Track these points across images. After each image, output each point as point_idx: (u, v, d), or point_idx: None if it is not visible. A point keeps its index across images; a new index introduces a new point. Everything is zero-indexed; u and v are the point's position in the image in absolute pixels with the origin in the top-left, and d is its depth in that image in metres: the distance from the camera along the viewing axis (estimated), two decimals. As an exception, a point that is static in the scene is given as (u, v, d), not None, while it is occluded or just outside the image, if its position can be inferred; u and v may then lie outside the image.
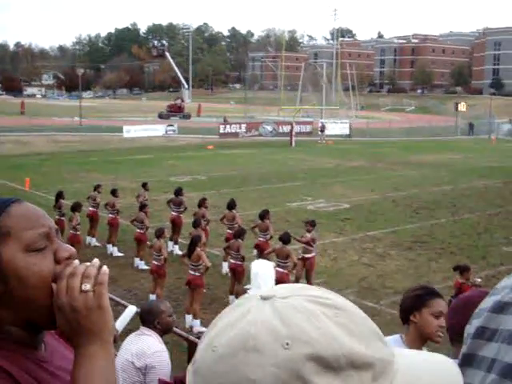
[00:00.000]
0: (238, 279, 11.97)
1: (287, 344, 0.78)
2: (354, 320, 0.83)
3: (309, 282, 12.52)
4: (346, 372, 0.78)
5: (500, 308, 1.12)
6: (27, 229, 1.34)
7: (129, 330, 6.35)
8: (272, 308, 0.82)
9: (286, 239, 11.75)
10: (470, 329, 1.15)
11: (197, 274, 11.08)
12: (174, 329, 6.01)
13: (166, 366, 5.09)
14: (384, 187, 26.71)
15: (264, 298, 0.84)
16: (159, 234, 12.38)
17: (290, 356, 0.78)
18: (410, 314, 3.69)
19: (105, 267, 1.36)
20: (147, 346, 5.12)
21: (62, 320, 1.32)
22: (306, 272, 12.81)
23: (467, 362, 1.10)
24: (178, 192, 16.43)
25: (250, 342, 0.79)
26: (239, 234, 12.24)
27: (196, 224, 13.03)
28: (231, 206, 14.81)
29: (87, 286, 1.32)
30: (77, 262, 1.40)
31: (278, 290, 0.87)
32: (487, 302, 1.16)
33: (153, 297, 11.75)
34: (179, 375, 0.98)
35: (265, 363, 0.78)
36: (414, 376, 0.84)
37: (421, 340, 3.64)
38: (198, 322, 10.94)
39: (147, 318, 5.30)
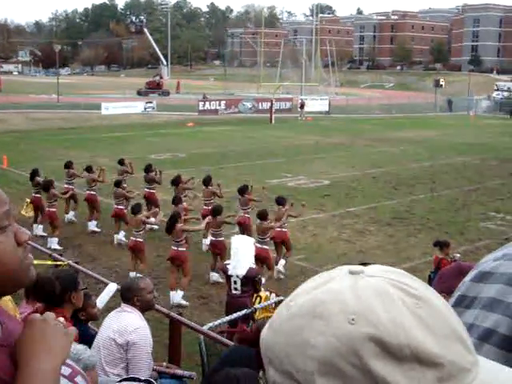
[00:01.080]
0: (220, 255, 11.96)
1: (353, 319, 0.78)
2: (434, 316, 0.81)
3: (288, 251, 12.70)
4: (409, 364, 0.77)
5: (479, 277, 1.14)
6: None
7: (109, 307, 6.35)
8: (353, 282, 0.82)
9: (263, 216, 11.77)
10: (451, 300, 1.17)
11: (179, 249, 11.08)
12: (156, 306, 6.00)
13: (148, 343, 5.09)
14: (363, 164, 26.81)
15: (351, 272, 0.84)
16: (136, 210, 12.34)
17: (353, 332, 0.78)
18: None
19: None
20: (128, 323, 5.11)
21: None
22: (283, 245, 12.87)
23: None
24: (148, 169, 16.41)
25: (319, 308, 0.80)
26: (217, 211, 12.22)
27: (176, 201, 13.02)
28: (207, 181, 14.76)
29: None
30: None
31: (370, 267, 0.86)
32: (469, 275, 1.17)
33: (132, 274, 11.72)
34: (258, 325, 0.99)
35: (327, 332, 0.78)
36: None
37: None
38: (181, 293, 10.93)
39: (126, 295, 5.29)
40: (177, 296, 10.89)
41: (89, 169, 16.25)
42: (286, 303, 0.86)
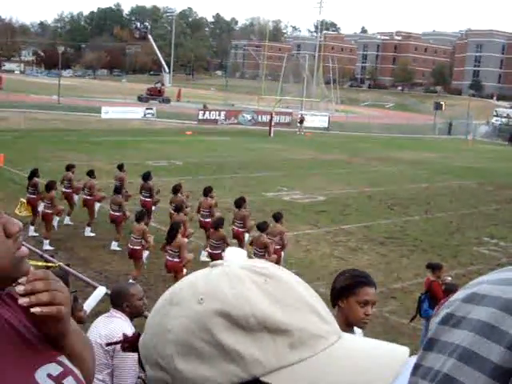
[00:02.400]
0: None
1: (201, 299, 0.83)
2: (282, 289, 0.85)
3: None
4: (258, 333, 0.81)
5: (471, 298, 1.13)
6: None
7: (98, 311, 6.32)
8: (208, 272, 0.89)
9: (262, 227, 11.75)
10: (437, 318, 1.15)
11: (175, 260, 11.04)
12: (145, 313, 5.97)
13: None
14: (360, 182, 26.83)
15: (212, 266, 0.91)
16: (140, 218, 12.30)
17: (201, 310, 0.83)
18: (338, 300, 3.76)
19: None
20: (116, 329, 5.08)
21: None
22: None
23: (431, 347, 1.11)
24: (147, 177, 16.37)
25: (175, 296, 0.87)
26: (218, 223, 12.18)
27: (178, 209, 13.01)
28: (206, 192, 14.73)
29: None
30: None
31: (231, 261, 0.92)
32: (458, 294, 1.17)
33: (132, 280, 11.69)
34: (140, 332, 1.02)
35: (180, 315, 0.84)
36: (342, 358, 0.84)
37: (346, 324, 3.68)
38: None
39: (116, 301, 5.26)
40: None
41: (90, 173, 16.16)
42: (165, 303, 0.91)
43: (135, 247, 12.07)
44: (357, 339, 0.91)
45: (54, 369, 1.38)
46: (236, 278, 0.85)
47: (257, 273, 0.86)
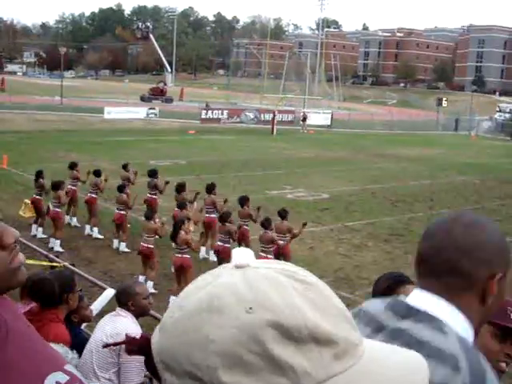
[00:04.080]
0: (227, 262, 11.85)
1: (250, 308, 0.79)
2: (323, 297, 0.84)
3: None
4: (307, 345, 0.79)
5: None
6: None
7: (104, 310, 6.33)
8: (242, 275, 0.84)
9: (267, 224, 11.76)
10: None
11: (184, 256, 11.08)
12: (151, 311, 5.98)
13: (141, 348, 5.06)
14: (363, 179, 26.82)
15: (237, 267, 0.87)
16: (149, 216, 12.30)
17: (252, 320, 0.79)
18: None
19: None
20: (122, 328, 5.08)
21: None
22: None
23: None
24: (152, 174, 16.38)
25: (215, 302, 0.81)
26: (225, 217, 12.21)
27: (181, 206, 13.03)
28: (209, 189, 14.72)
29: None
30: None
31: (253, 261, 0.88)
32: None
33: (142, 278, 11.70)
34: (146, 333, 0.99)
35: (226, 325, 0.79)
36: (377, 364, 0.85)
37: None
38: None
39: (121, 299, 5.26)
40: None
41: (97, 173, 16.15)
42: (177, 304, 0.86)
43: (149, 245, 12.08)
44: (373, 343, 0.92)
45: (61, 377, 1.36)
46: (279, 284, 0.83)
47: (297, 279, 0.84)
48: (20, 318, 1.43)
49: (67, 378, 1.37)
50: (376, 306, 1.54)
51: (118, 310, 5.24)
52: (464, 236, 1.50)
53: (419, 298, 1.51)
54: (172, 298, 11.07)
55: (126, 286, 5.48)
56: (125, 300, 5.22)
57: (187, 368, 0.81)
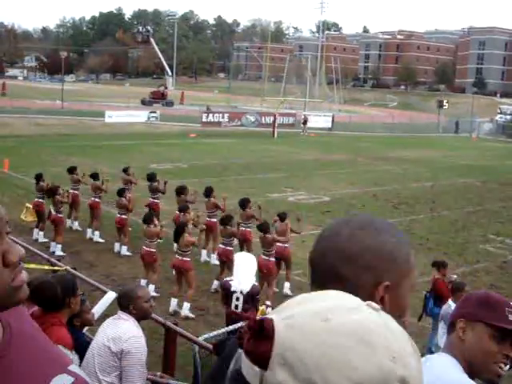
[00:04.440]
0: (228, 264, 11.82)
1: (393, 358, 0.86)
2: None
3: (288, 269, 12.67)
4: None
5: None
6: None
7: (105, 314, 6.33)
8: (383, 319, 0.91)
9: (264, 228, 11.75)
10: None
11: (185, 258, 11.06)
12: (152, 315, 5.98)
13: (143, 352, 5.06)
14: (364, 181, 26.82)
15: (368, 305, 0.95)
16: (148, 220, 12.28)
17: (391, 369, 0.85)
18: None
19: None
20: (123, 331, 5.09)
21: None
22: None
23: None
24: (152, 178, 16.39)
25: (367, 336, 0.86)
26: (226, 220, 12.20)
27: (182, 210, 13.05)
28: (208, 193, 14.69)
29: None
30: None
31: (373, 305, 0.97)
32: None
33: (143, 282, 11.69)
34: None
35: (371, 361, 0.84)
36: None
37: None
38: (188, 305, 10.90)
39: (123, 303, 5.26)
40: (185, 307, 10.87)
41: (94, 176, 16.17)
42: (315, 313, 0.89)
43: (151, 249, 12.07)
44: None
45: (66, 379, 1.34)
46: (411, 343, 0.91)
47: (409, 338, 0.93)
48: (25, 319, 1.42)
49: (72, 379, 1.36)
50: None
51: (120, 313, 5.24)
52: (349, 241, 1.38)
53: None
54: (173, 300, 11.08)
55: (127, 290, 5.48)
56: (126, 303, 5.22)
57: (314, 378, 0.84)
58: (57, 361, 1.37)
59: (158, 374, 5.86)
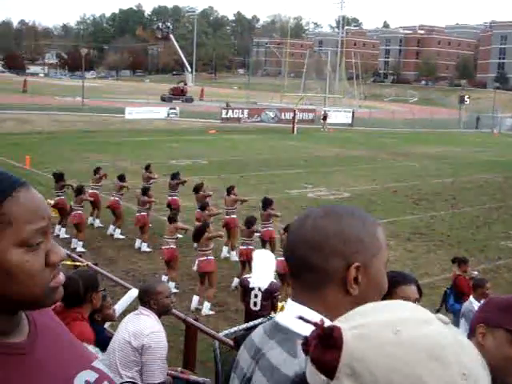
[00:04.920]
0: (249, 263, 11.78)
1: (464, 374, 0.85)
2: None
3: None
4: None
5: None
6: (29, 222, 1.22)
7: (126, 310, 6.37)
8: (453, 333, 0.89)
9: (251, 222, 12.25)
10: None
11: (208, 258, 11.03)
12: (173, 310, 6.01)
13: (163, 347, 5.09)
14: (385, 177, 26.69)
15: (439, 318, 0.93)
16: (173, 219, 12.30)
17: None
18: None
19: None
20: (144, 326, 5.12)
21: None
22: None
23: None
24: (174, 176, 16.46)
25: (438, 351, 0.85)
26: (250, 222, 12.19)
27: (202, 207, 13.04)
28: (229, 190, 14.70)
29: None
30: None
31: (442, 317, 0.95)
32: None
33: (165, 278, 11.72)
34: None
35: (442, 377, 0.83)
36: None
37: None
38: (209, 305, 10.89)
39: (143, 298, 5.29)
40: (206, 306, 10.87)
41: (121, 177, 16.23)
42: (387, 324, 0.88)
43: (171, 246, 12.09)
44: None
45: (90, 375, 1.36)
46: (482, 361, 0.90)
47: (478, 352, 0.92)
48: (49, 314, 1.44)
49: (96, 375, 1.37)
50: (259, 329, 1.55)
51: (141, 308, 5.27)
52: (312, 230, 1.44)
53: (288, 309, 1.49)
54: (195, 297, 11.09)
55: (147, 285, 5.52)
56: (146, 298, 5.25)
57: None
58: (82, 357, 1.38)
59: (179, 369, 5.88)
